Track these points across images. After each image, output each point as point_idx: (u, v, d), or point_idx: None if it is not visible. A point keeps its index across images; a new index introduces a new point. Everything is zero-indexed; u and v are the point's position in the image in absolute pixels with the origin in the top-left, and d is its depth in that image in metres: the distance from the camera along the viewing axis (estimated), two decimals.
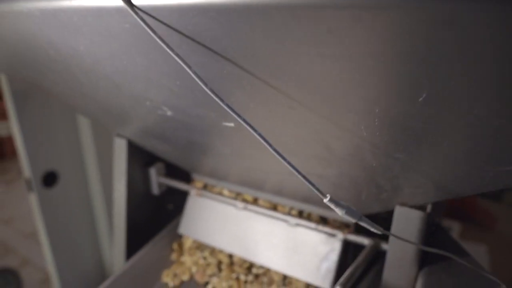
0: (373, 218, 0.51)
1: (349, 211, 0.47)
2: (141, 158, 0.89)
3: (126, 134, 0.81)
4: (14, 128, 1.37)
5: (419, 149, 0.44)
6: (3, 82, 1.28)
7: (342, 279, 0.58)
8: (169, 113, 0.60)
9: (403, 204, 0.59)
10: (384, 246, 0.68)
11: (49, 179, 1.47)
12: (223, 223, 0.83)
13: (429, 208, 0.58)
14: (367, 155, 0.49)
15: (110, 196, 1.47)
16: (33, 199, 1.45)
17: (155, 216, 0.93)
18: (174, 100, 0.54)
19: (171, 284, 0.82)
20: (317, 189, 0.46)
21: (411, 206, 0.58)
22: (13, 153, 2.82)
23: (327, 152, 0.52)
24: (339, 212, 0.47)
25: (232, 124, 0.55)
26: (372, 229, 0.49)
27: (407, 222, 0.57)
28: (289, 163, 0.43)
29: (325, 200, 0.46)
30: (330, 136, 0.48)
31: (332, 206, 0.47)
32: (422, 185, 0.51)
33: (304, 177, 0.45)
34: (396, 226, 0.60)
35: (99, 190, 1.48)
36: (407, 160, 0.46)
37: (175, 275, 0.84)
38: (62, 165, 1.48)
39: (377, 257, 0.80)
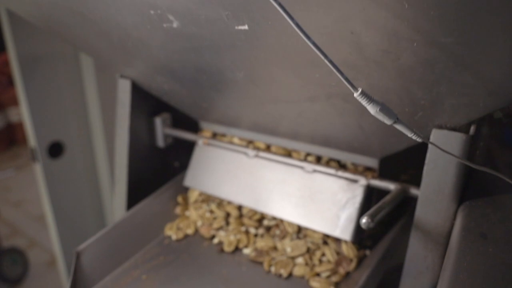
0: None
1: (383, 109, 0.39)
2: (146, 107, 0.81)
3: (130, 73, 0.74)
4: (20, 97, 1.31)
5: (477, 26, 0.35)
6: (11, 49, 1.22)
7: (371, 210, 0.50)
8: (175, 24, 0.52)
9: (441, 127, 0.50)
10: (413, 191, 0.59)
11: (55, 150, 1.40)
12: (233, 173, 0.74)
13: (472, 129, 0.49)
14: (404, 49, 0.40)
15: None
16: (37, 170, 1.38)
17: (159, 171, 0.86)
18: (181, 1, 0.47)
19: (174, 237, 0.74)
20: (348, 81, 0.37)
21: (451, 129, 0.49)
22: (24, 139, 2.78)
23: (357, 54, 0.44)
24: (372, 110, 0.39)
25: (245, 27, 0.47)
26: (410, 134, 0.40)
27: (447, 146, 0.48)
28: (323, 54, 0.34)
29: (356, 94, 0.38)
30: (361, 22, 0.39)
31: (363, 102, 0.38)
32: (470, 91, 0.42)
33: (336, 67, 0.37)
34: (432, 156, 0.51)
35: (105, 162, 1.41)
36: (456, 47, 0.38)
37: (178, 229, 0.76)
38: (69, 136, 1.41)
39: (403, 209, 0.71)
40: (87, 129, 1.41)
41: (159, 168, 0.86)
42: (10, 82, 2.72)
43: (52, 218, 1.40)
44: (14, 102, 2.68)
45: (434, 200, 0.51)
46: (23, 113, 1.32)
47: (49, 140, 1.37)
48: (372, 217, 0.49)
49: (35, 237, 2.16)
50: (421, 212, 0.53)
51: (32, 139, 1.34)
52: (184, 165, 0.85)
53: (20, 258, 1.92)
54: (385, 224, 0.71)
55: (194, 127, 0.83)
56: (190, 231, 0.75)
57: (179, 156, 0.89)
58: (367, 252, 0.67)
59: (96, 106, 1.34)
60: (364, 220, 0.48)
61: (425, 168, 0.52)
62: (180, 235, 0.75)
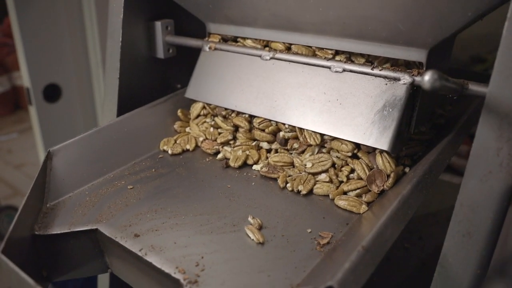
0: None
1: None
2: (143, 10, 0.68)
3: None
4: (14, 31, 1.18)
5: None
6: None
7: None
8: None
9: None
10: (475, 88, 0.45)
11: (52, 93, 1.28)
12: (244, 80, 0.61)
13: None
14: None
15: None
16: (32, 113, 1.26)
17: (157, 90, 0.72)
18: None
19: (170, 151, 0.61)
20: None
21: None
22: None
23: None
24: None
25: None
26: None
27: None
28: None
29: None
30: None
31: None
32: None
33: None
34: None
35: None
36: None
37: (175, 143, 0.62)
38: (66, 79, 1.28)
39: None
40: (87, 72, 1.28)
41: (157, 86, 0.73)
42: None
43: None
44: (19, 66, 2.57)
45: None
46: (17, 49, 1.20)
47: (44, 82, 1.24)
48: (439, 74, 0.35)
49: None
50: (495, 88, 0.38)
51: (26, 79, 1.22)
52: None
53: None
54: (426, 143, 0.57)
55: (201, 36, 0.69)
56: (189, 146, 0.62)
57: (181, 77, 0.76)
58: (406, 169, 0.53)
59: (97, 47, 1.20)
60: (428, 75, 0.34)
61: (507, 24, 0.37)
62: (178, 149, 0.61)
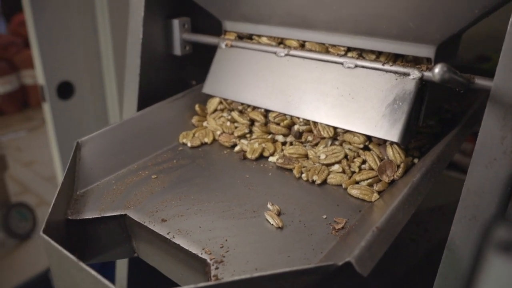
0: None
1: None
2: (162, 9, 0.71)
3: None
4: (29, 31, 1.22)
5: None
6: None
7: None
8: None
9: None
10: (481, 81, 0.48)
11: (65, 90, 1.32)
12: (259, 75, 0.64)
13: None
14: None
15: None
16: (46, 110, 1.30)
17: (175, 86, 0.75)
18: None
19: (189, 144, 0.64)
20: None
21: None
22: (37, 102, 2.72)
23: None
24: None
25: None
26: None
27: None
28: None
29: None
30: None
31: None
32: None
33: None
34: None
35: (117, 106, 1.32)
36: None
37: (194, 136, 0.66)
38: (79, 77, 1.32)
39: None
40: (99, 70, 1.32)
41: (174, 82, 0.76)
42: (25, 44, 2.66)
43: (59, 165, 1.32)
44: (29, 64, 2.62)
45: None
46: (32, 48, 1.23)
47: (58, 80, 1.28)
48: (448, 67, 0.38)
49: (44, 196, 2.10)
50: (500, 79, 0.42)
51: (40, 77, 1.26)
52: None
53: (29, 213, 1.86)
54: (433, 136, 0.60)
55: (217, 34, 0.72)
56: (207, 140, 0.65)
57: (197, 73, 0.79)
58: (415, 160, 0.56)
59: (109, 45, 1.24)
60: (438, 68, 0.38)
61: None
62: (197, 142, 0.65)
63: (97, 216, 0.49)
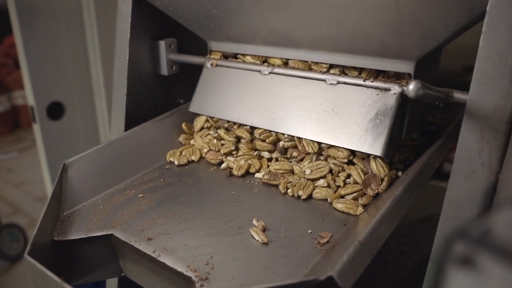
0: None
1: None
2: (148, 30, 0.73)
3: None
4: (19, 51, 1.23)
5: None
6: (10, 5, 1.15)
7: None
8: None
9: None
10: (460, 95, 0.50)
11: (55, 111, 1.32)
12: (244, 93, 0.65)
13: None
14: None
15: None
16: (36, 131, 1.30)
17: (162, 105, 0.76)
18: None
19: (176, 162, 0.65)
20: None
21: None
22: (29, 123, 2.71)
23: None
24: None
25: None
26: None
27: None
28: None
29: None
30: None
31: None
32: None
33: None
34: (493, 21, 0.41)
35: (108, 125, 1.32)
36: None
37: (181, 155, 0.66)
38: (70, 97, 1.33)
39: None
40: (89, 90, 1.33)
41: (161, 102, 0.77)
42: (16, 65, 2.67)
43: (50, 185, 1.31)
44: (20, 85, 2.62)
45: (493, 76, 0.42)
46: (22, 69, 1.24)
47: (48, 100, 1.28)
48: (422, 84, 0.39)
49: (36, 216, 2.08)
50: (475, 94, 0.43)
51: (30, 98, 1.26)
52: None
53: (20, 235, 1.84)
54: (417, 149, 0.61)
55: (202, 54, 0.74)
56: (194, 158, 0.66)
57: (184, 92, 0.80)
58: (399, 173, 0.57)
59: (98, 65, 1.25)
60: (412, 85, 0.39)
61: (483, 37, 0.42)
62: (184, 160, 0.65)
63: (84, 236, 0.49)
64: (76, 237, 0.49)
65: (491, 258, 0.16)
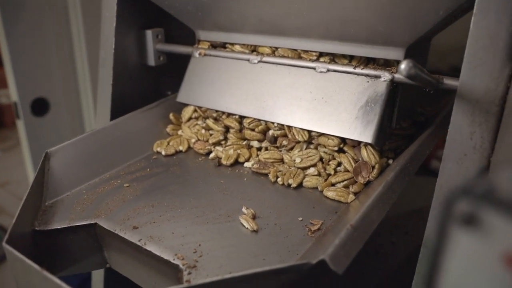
0: None
1: None
2: (135, 20, 0.71)
3: None
4: (3, 47, 1.20)
5: None
6: None
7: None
8: None
9: None
10: (450, 82, 0.49)
11: (40, 107, 1.29)
12: (233, 83, 0.64)
13: None
14: None
15: None
16: (20, 127, 1.27)
17: (149, 97, 0.74)
18: None
19: (163, 152, 0.63)
20: None
21: None
22: (12, 122, 2.65)
23: None
24: None
25: None
26: None
27: None
28: None
29: None
30: None
31: None
32: None
33: None
34: (482, 3, 0.41)
35: (94, 122, 1.29)
36: None
37: (168, 145, 0.65)
38: (55, 93, 1.30)
39: None
40: (75, 86, 1.30)
41: (148, 92, 0.75)
42: (0, 63, 2.61)
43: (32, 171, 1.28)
44: (3, 84, 2.56)
45: (484, 58, 0.41)
46: (5, 64, 1.21)
47: (32, 96, 1.25)
48: (414, 63, 0.38)
49: None
50: (466, 77, 0.42)
51: (13, 93, 1.23)
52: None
53: (4, 235, 1.79)
54: (407, 138, 0.60)
55: (190, 44, 0.72)
56: (182, 148, 0.64)
57: (171, 83, 0.78)
58: (390, 161, 0.56)
59: (84, 59, 1.23)
60: (404, 63, 0.38)
61: (473, 19, 0.41)
62: (171, 150, 0.64)
63: (66, 226, 0.47)
64: (58, 227, 0.47)
65: (497, 214, 0.15)
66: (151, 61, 0.73)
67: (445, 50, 0.78)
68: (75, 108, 1.32)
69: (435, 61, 0.70)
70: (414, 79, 0.42)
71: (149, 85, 0.75)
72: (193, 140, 0.66)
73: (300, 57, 0.61)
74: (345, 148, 0.56)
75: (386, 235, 0.74)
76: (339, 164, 0.56)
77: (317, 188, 0.55)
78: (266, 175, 0.58)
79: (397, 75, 0.53)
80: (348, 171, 0.55)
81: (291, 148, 0.60)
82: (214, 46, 0.69)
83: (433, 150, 0.63)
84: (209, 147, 0.64)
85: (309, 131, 0.58)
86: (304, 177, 0.56)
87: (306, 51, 0.61)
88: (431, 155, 0.98)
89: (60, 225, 0.47)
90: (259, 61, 0.63)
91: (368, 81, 0.55)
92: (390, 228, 0.76)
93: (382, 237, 0.73)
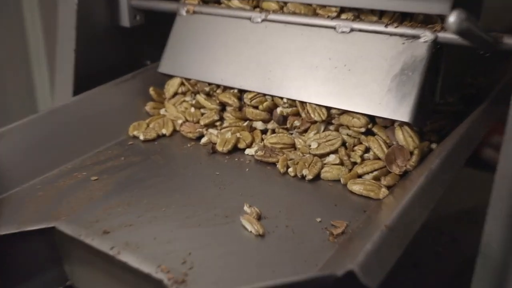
0: None
1: None
2: None
3: None
4: None
5: None
6: None
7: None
8: None
9: None
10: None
11: None
12: (231, 48, 0.64)
13: None
14: None
15: None
16: None
17: (123, 67, 0.73)
18: None
19: (141, 137, 0.64)
20: None
21: None
22: None
23: None
24: None
25: None
26: None
27: None
28: None
29: None
30: None
31: None
32: None
33: None
34: None
35: (49, 93, 1.28)
36: None
37: (148, 127, 0.64)
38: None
39: None
40: (24, 51, 1.27)
41: (122, 62, 0.75)
42: None
43: None
44: None
45: None
46: None
47: None
48: (467, 14, 0.36)
49: None
50: None
51: None
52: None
53: None
54: (454, 116, 0.59)
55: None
56: (166, 131, 0.65)
57: (151, 50, 0.77)
58: (433, 145, 0.55)
59: (36, 17, 1.20)
60: (454, 15, 0.36)
61: None
62: (152, 134, 0.64)
63: (15, 231, 0.46)
64: (5, 232, 0.46)
65: None
66: (125, 21, 0.73)
67: (503, 6, 0.76)
68: (24, 79, 1.29)
69: (489, 22, 0.68)
70: (467, 36, 0.41)
71: (122, 52, 0.75)
72: (179, 121, 0.66)
73: (315, 14, 0.61)
74: (375, 130, 0.56)
75: (427, 243, 0.73)
76: (367, 149, 0.56)
77: (339, 180, 0.54)
78: (274, 164, 0.57)
79: (441, 34, 0.52)
80: (378, 158, 0.54)
81: (305, 130, 0.59)
82: (205, 1, 0.68)
83: (486, 136, 0.62)
84: (200, 129, 0.63)
85: (328, 108, 0.57)
86: (322, 167, 0.55)
87: (323, 6, 0.60)
88: (483, 143, 0.97)
89: (6, 229, 0.46)
90: (263, 20, 0.62)
91: (404, 43, 0.54)
92: (432, 234, 0.75)
93: (423, 245, 0.72)
